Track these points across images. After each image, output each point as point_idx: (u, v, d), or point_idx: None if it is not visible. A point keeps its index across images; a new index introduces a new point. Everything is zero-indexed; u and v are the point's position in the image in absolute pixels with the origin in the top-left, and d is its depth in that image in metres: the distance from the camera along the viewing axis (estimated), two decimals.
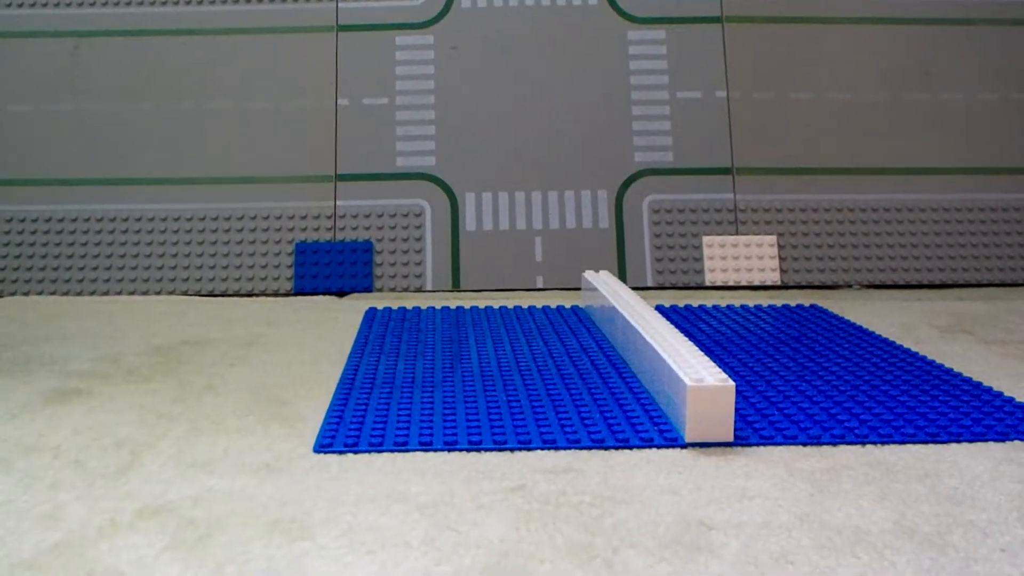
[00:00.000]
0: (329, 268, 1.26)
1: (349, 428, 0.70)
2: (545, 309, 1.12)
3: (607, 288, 0.99)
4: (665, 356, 0.72)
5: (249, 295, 1.25)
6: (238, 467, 0.63)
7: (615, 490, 0.59)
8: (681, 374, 0.67)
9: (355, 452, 0.65)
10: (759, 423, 0.70)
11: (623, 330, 0.88)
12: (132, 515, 0.55)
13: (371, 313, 1.09)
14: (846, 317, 1.07)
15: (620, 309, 0.89)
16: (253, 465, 0.63)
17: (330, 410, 0.74)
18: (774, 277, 1.27)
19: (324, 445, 0.66)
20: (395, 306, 1.14)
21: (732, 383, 0.66)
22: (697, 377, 0.67)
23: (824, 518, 0.55)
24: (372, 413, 0.73)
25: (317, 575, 0.48)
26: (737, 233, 1.29)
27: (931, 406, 0.74)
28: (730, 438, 0.66)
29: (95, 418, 0.73)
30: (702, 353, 0.72)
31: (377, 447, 0.66)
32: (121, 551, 0.51)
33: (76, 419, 0.73)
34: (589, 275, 1.09)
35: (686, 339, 0.76)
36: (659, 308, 1.12)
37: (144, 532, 0.53)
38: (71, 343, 0.98)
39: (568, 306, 1.13)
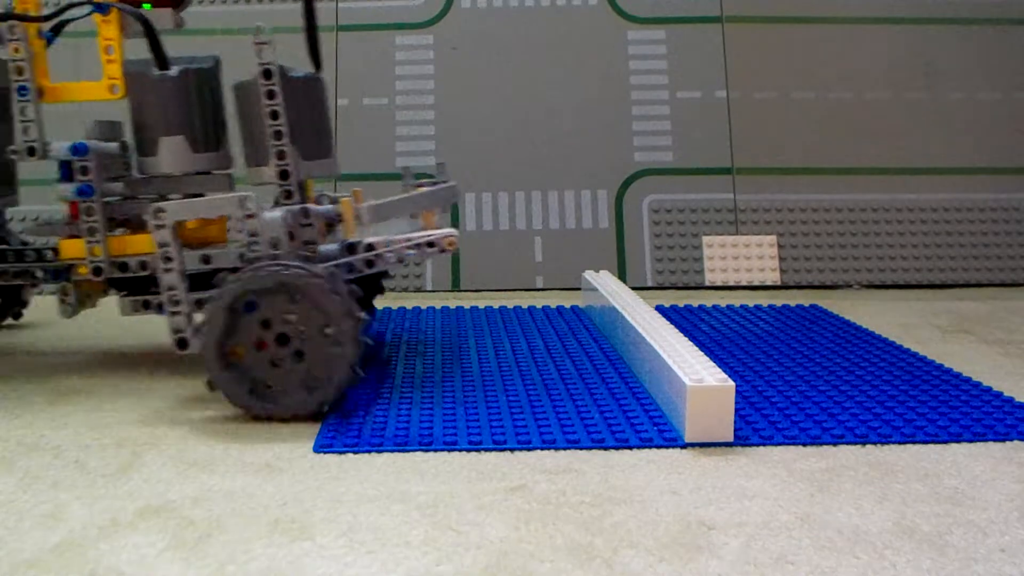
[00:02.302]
0: None
1: (349, 428, 0.70)
2: (545, 309, 1.12)
3: (607, 288, 0.99)
4: (665, 356, 0.72)
5: None
6: (239, 467, 0.63)
7: (615, 490, 0.59)
8: (681, 374, 0.67)
9: (355, 452, 0.65)
10: (759, 423, 0.70)
11: (623, 330, 0.88)
12: (133, 515, 0.55)
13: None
14: (846, 317, 1.07)
15: (620, 309, 0.89)
16: (254, 465, 0.63)
17: None
18: (774, 277, 1.28)
19: (324, 445, 0.66)
20: (395, 306, 1.14)
21: (732, 383, 0.66)
22: (697, 377, 0.67)
23: (824, 518, 0.55)
24: (372, 413, 0.73)
25: (317, 575, 0.48)
26: (737, 233, 1.29)
27: (931, 406, 0.74)
28: (730, 438, 0.66)
29: (96, 418, 0.73)
30: (702, 353, 0.72)
31: (377, 447, 0.66)
32: (122, 551, 0.51)
33: (77, 419, 0.73)
34: (589, 275, 1.09)
35: (686, 339, 0.76)
36: (659, 308, 1.12)
37: (145, 532, 0.53)
38: (72, 343, 0.98)
39: (568, 306, 1.13)
